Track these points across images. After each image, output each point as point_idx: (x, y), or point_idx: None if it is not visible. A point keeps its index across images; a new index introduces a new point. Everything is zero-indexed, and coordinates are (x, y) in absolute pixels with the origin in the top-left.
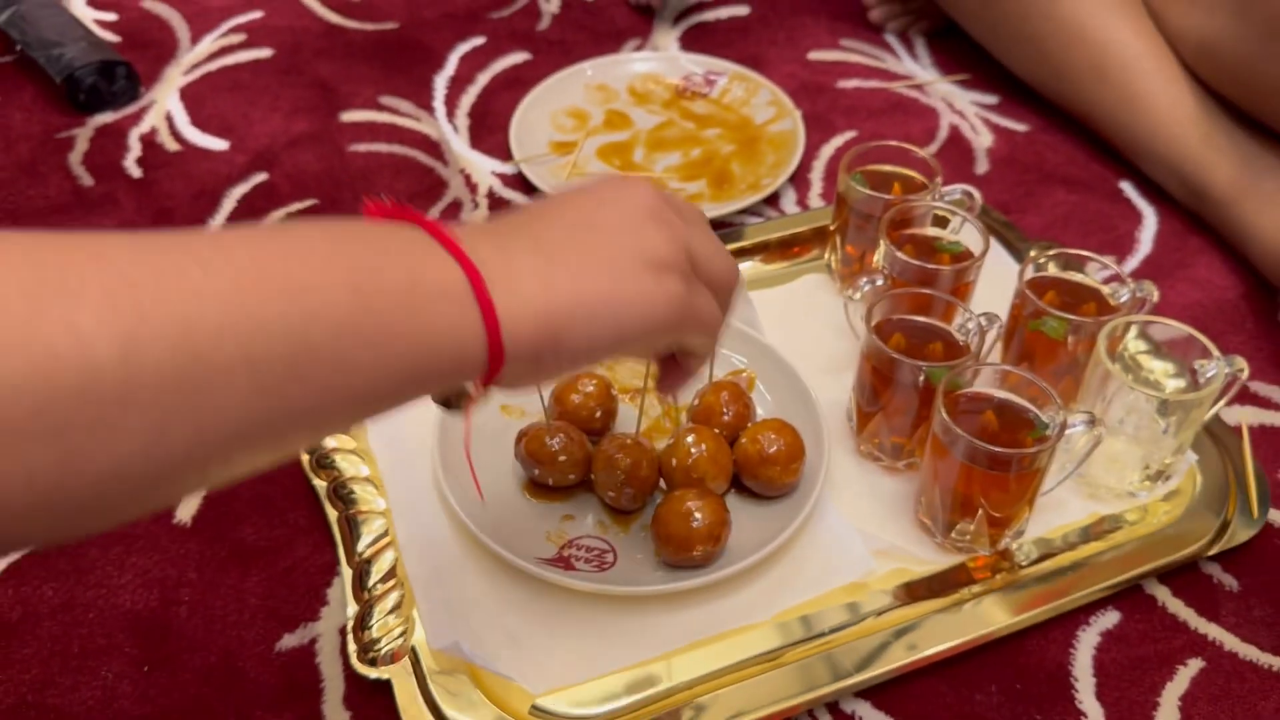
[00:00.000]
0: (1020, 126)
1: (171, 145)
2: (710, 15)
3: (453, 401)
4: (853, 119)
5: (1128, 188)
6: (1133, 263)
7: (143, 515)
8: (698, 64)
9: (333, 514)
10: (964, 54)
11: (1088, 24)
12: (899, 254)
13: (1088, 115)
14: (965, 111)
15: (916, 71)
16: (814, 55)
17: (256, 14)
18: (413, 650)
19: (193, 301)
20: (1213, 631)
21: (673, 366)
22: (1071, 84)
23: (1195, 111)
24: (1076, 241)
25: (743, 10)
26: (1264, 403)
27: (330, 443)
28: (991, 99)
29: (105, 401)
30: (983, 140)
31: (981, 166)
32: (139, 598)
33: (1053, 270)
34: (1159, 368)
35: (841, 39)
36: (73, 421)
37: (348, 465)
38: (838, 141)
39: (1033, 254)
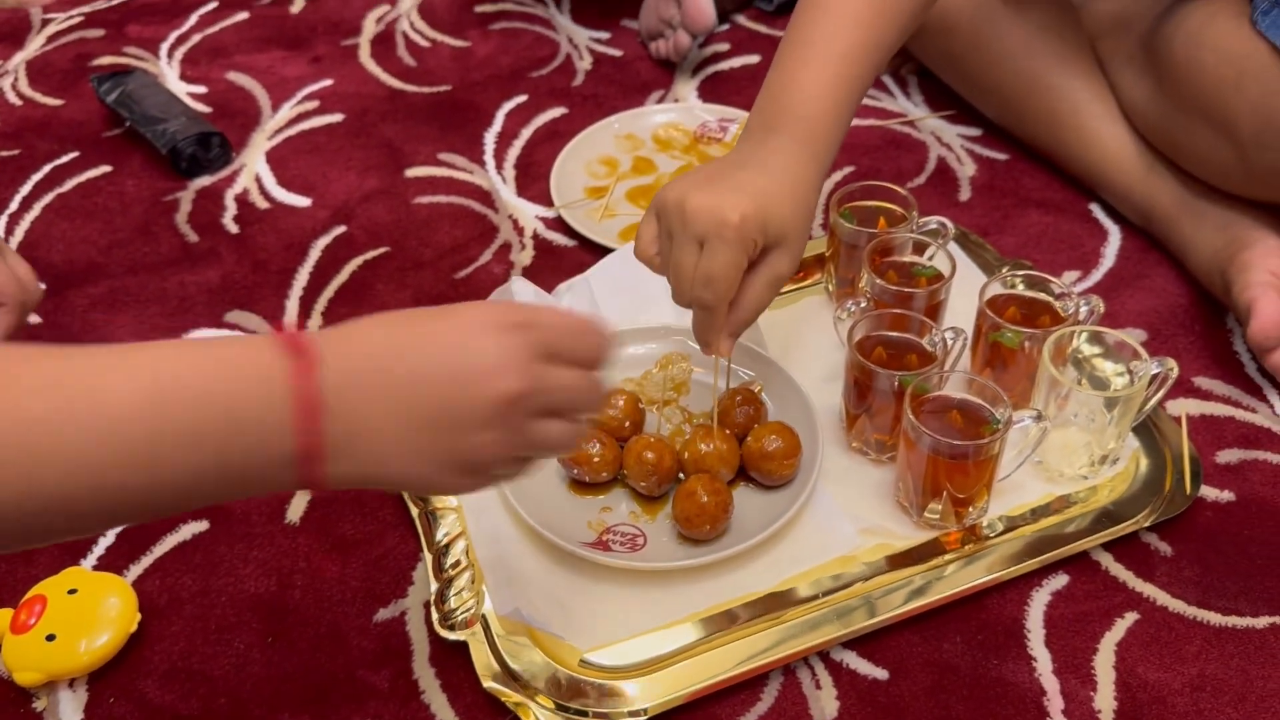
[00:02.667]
0: (1001, 156)
1: (262, 203)
2: (725, 65)
3: None
4: (851, 155)
5: (1096, 209)
6: (1097, 275)
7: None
8: (712, 113)
9: (414, 510)
10: (951, 91)
11: (1043, 75)
12: (878, 280)
13: (1049, 152)
14: (951, 144)
15: (909, 108)
16: None
17: (327, 82)
18: (483, 618)
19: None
20: (1148, 590)
21: None
22: (1032, 126)
23: (1139, 146)
24: (1047, 258)
25: (754, 59)
26: (1205, 395)
27: None
28: (975, 131)
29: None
30: (966, 169)
31: (965, 194)
32: (261, 584)
33: (1019, 288)
34: (1110, 368)
35: None
36: None
37: None
38: (837, 176)
39: (994, 276)
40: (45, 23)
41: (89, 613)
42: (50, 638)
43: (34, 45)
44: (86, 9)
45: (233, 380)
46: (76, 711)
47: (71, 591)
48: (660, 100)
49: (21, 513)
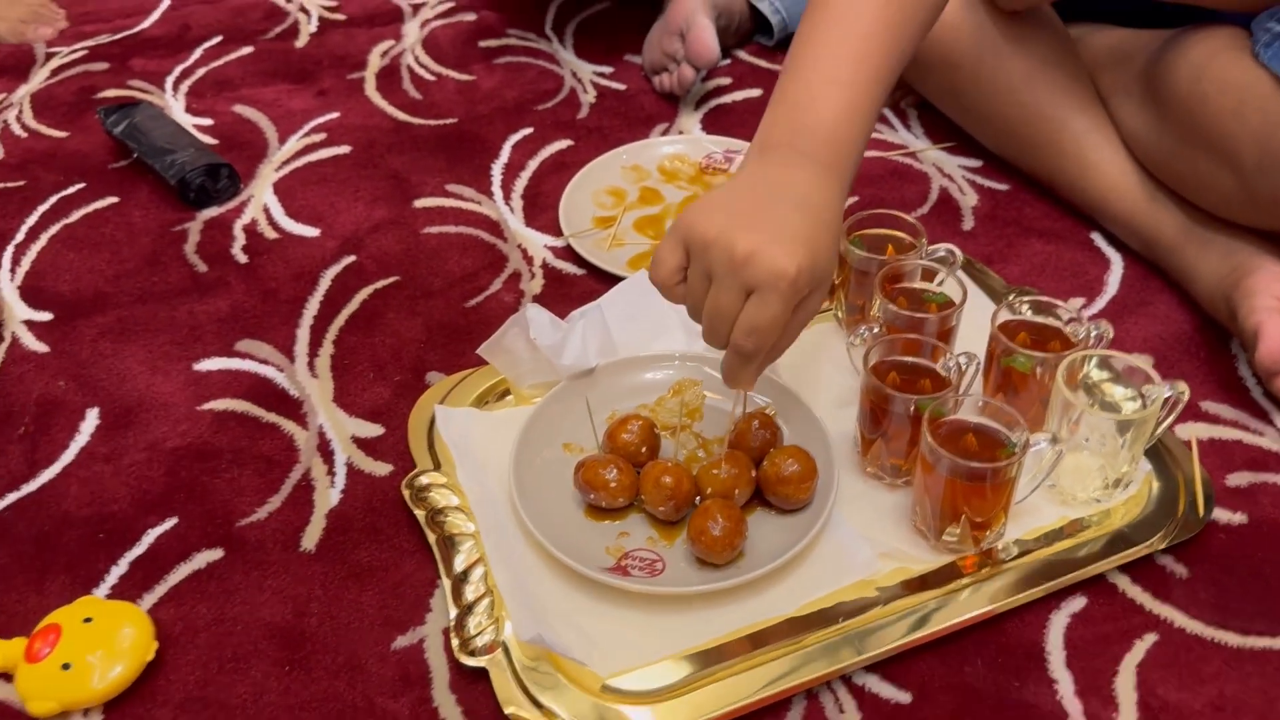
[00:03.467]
0: (1002, 186)
1: (270, 234)
2: (728, 98)
3: None
4: (855, 185)
5: (1097, 238)
6: (1101, 303)
7: None
8: (717, 144)
9: (432, 536)
10: (951, 124)
11: (1045, 107)
12: (891, 306)
13: (1051, 182)
14: (953, 175)
15: (910, 141)
16: None
17: (334, 114)
18: (503, 644)
19: None
20: (1165, 611)
21: None
22: (1034, 156)
23: (1140, 176)
24: (1051, 286)
25: (756, 92)
26: (1213, 419)
27: (424, 480)
28: (975, 163)
29: None
30: (969, 200)
31: (968, 223)
32: (277, 612)
33: (1027, 314)
34: (1120, 393)
35: None
36: None
37: (440, 497)
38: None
39: (1005, 302)
40: (49, 56)
41: (105, 642)
42: (65, 667)
43: (38, 78)
44: (90, 43)
45: None
46: None
47: (87, 620)
48: (664, 132)
49: None
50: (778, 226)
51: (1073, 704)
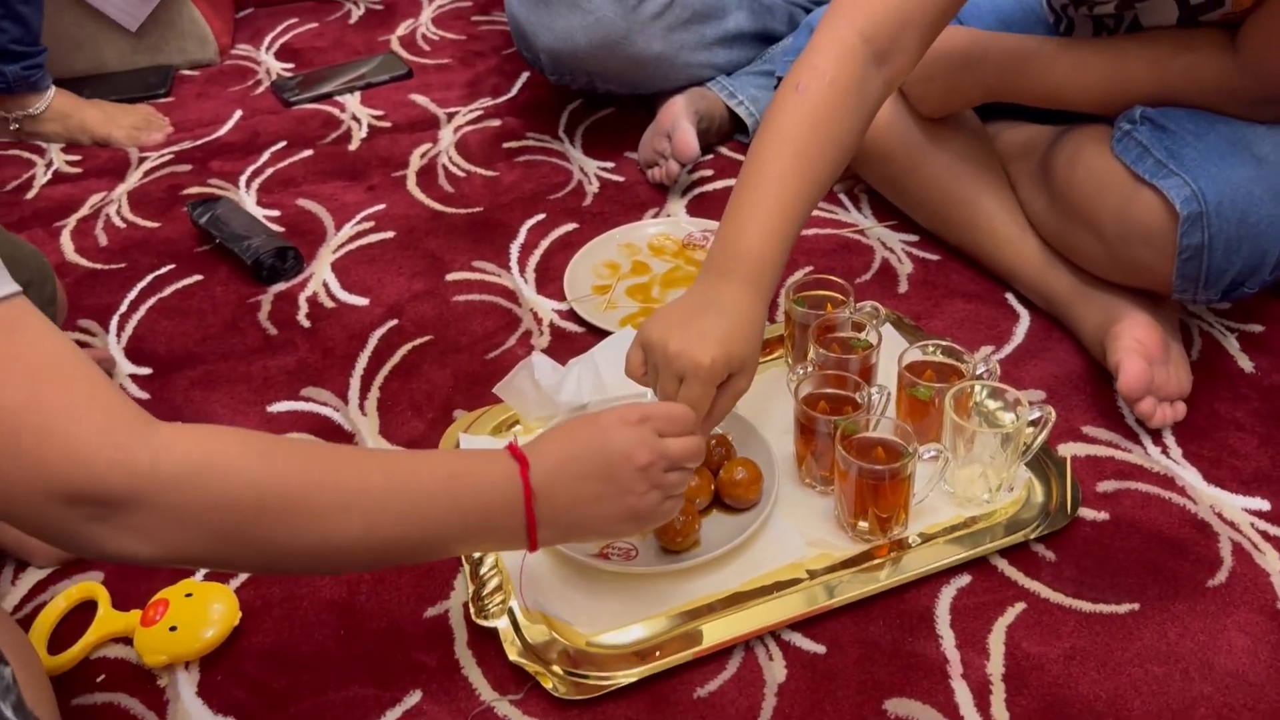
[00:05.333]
0: (934, 257)
1: (329, 303)
2: (709, 187)
3: None
4: (811, 257)
5: (1010, 297)
6: (1008, 349)
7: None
8: (696, 225)
9: None
10: (894, 205)
11: (963, 192)
12: (822, 350)
13: (970, 253)
14: (894, 248)
15: (860, 219)
16: None
17: (380, 206)
18: (510, 610)
19: (383, 512)
20: (1034, 586)
21: None
22: (956, 232)
23: (1040, 245)
24: (968, 337)
25: (734, 182)
26: (1092, 440)
27: None
28: (913, 238)
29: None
30: (905, 268)
31: (904, 287)
32: (335, 592)
33: (939, 356)
34: (1008, 418)
35: None
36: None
37: None
38: (799, 275)
39: (912, 345)
40: (141, 160)
41: (202, 611)
42: (172, 629)
43: (133, 179)
44: (175, 148)
45: (490, 475)
46: (191, 686)
47: (188, 595)
48: (655, 216)
49: (365, 547)
50: (701, 331)
51: (953, 654)
